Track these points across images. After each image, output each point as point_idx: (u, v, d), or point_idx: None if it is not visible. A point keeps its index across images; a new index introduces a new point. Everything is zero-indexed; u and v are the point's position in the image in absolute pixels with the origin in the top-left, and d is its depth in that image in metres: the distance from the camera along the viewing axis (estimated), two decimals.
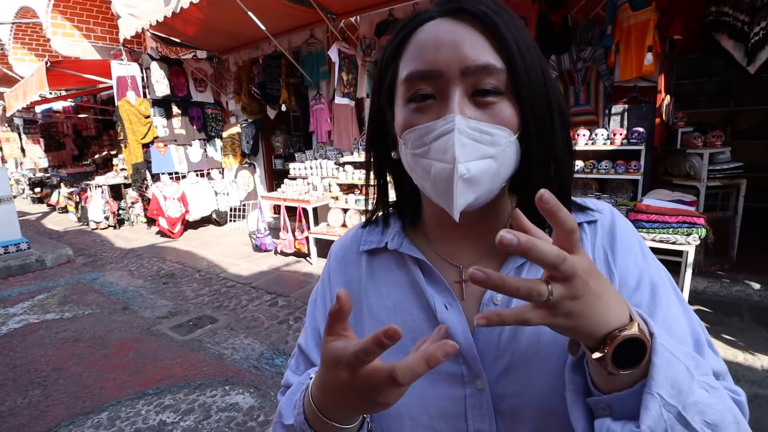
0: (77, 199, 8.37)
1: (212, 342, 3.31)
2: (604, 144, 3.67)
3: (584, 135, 3.77)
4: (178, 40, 6.14)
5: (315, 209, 5.14)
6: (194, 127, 6.97)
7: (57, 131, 11.62)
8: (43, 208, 10.99)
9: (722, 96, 5.56)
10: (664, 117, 3.63)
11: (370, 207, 0.66)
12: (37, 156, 11.89)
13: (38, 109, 10.01)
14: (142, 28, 5.03)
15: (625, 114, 3.71)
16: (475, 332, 0.53)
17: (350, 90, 5.03)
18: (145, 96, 6.39)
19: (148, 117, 6.32)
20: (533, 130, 0.48)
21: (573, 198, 0.57)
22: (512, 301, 0.52)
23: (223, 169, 7.39)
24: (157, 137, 6.53)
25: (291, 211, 5.26)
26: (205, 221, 7.38)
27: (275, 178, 7.15)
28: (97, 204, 7.56)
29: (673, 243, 3.09)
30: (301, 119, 7.14)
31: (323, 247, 5.30)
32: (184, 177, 6.94)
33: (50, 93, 8.25)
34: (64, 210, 9.48)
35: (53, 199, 10.11)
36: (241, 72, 6.38)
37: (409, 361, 0.36)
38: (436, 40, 0.47)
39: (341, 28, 5.06)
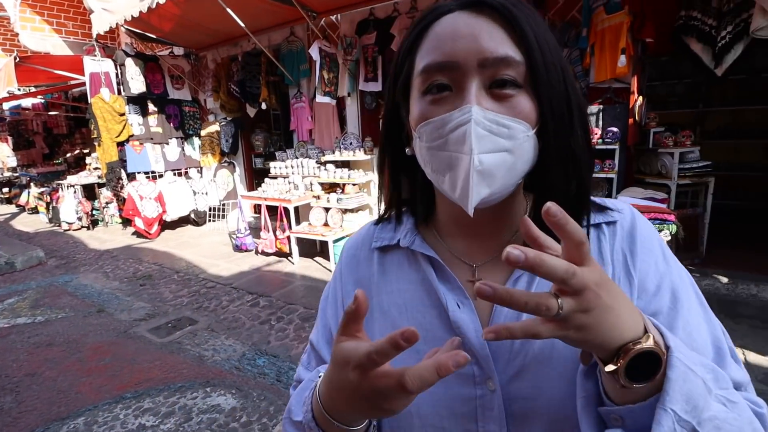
0: (48, 200, 8.09)
1: (192, 344, 3.26)
2: None
3: None
4: (154, 36, 5.99)
5: (296, 208, 5.11)
6: (171, 125, 6.84)
7: (26, 129, 11.20)
8: (12, 209, 10.58)
9: (692, 97, 5.76)
10: (637, 117, 3.74)
11: (382, 204, 0.65)
12: (5, 155, 11.44)
13: (6, 106, 9.64)
14: (117, 24, 4.91)
15: (600, 114, 3.81)
16: None
17: (331, 89, 5.01)
18: (119, 93, 6.23)
19: (123, 114, 6.17)
20: (551, 126, 0.47)
21: (592, 197, 0.55)
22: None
23: (201, 168, 7.26)
24: (132, 135, 6.38)
25: (272, 210, 5.21)
26: (183, 221, 7.24)
27: (255, 177, 7.07)
28: (70, 204, 7.33)
29: None
30: (282, 118, 7.09)
31: (305, 246, 5.28)
32: (161, 176, 6.80)
33: (19, 89, 7.96)
34: (35, 211, 9.15)
35: (22, 199, 9.74)
36: (220, 69, 6.28)
37: (420, 368, 0.36)
38: (454, 32, 0.46)
39: (322, 27, 5.04)
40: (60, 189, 7.60)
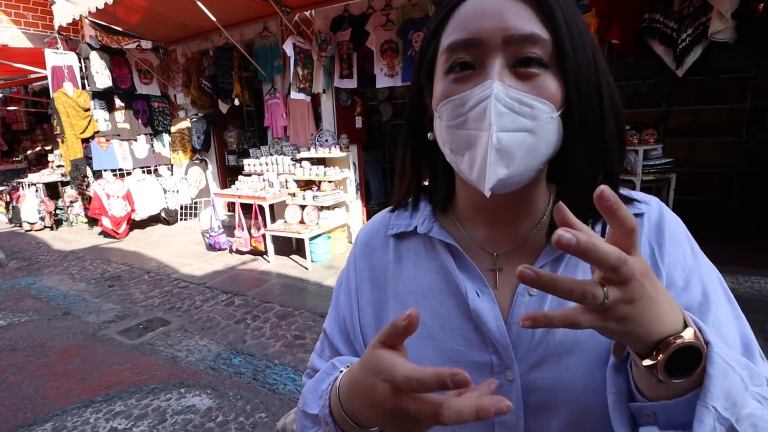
0: (8, 199, 7.71)
1: (165, 345, 3.18)
2: None
3: None
4: (120, 29, 5.79)
5: (271, 206, 5.05)
6: (139, 121, 6.62)
7: None
8: None
9: (655, 97, 6.00)
10: None
11: (394, 195, 0.64)
12: None
13: None
14: (80, 16, 4.72)
15: None
16: (509, 322, 0.51)
17: (306, 85, 4.97)
18: (84, 87, 5.99)
19: (87, 110, 5.94)
20: (578, 110, 0.45)
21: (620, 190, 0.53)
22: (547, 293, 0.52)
23: (172, 166, 7.07)
24: (98, 132, 6.15)
25: (246, 208, 5.14)
26: (154, 220, 7.04)
27: (229, 175, 6.93)
28: (31, 204, 7.01)
29: None
30: (256, 114, 6.97)
31: (281, 244, 5.23)
32: (129, 174, 6.59)
33: None
34: None
35: None
36: (190, 64, 6.13)
37: (460, 405, 0.33)
38: (480, 10, 0.45)
39: (296, 22, 4.98)
40: (21, 188, 7.26)
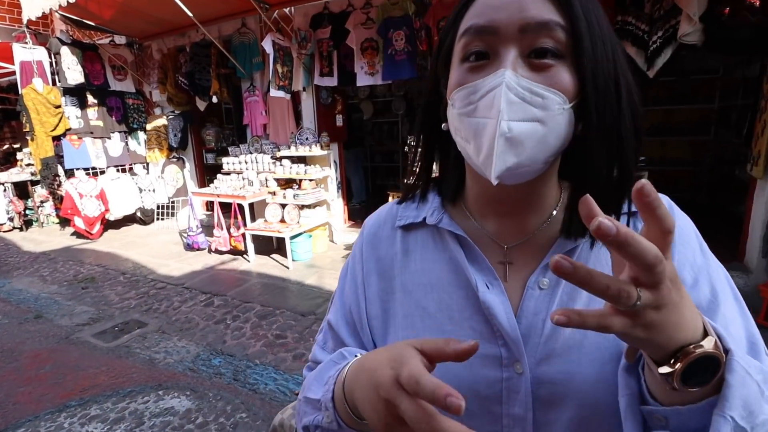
0: None
1: (142, 347, 3.12)
2: None
3: None
4: (92, 24, 5.62)
5: (251, 205, 4.99)
6: (113, 119, 6.45)
7: None
8: None
9: None
10: None
11: (406, 185, 0.63)
12: None
13: None
14: (50, 9, 4.56)
15: None
16: (518, 315, 0.51)
17: (285, 83, 4.93)
18: (54, 84, 5.80)
19: (58, 107, 5.75)
20: (593, 103, 0.45)
21: None
22: (558, 287, 0.50)
23: (147, 164, 6.91)
24: (69, 129, 5.96)
25: (225, 207, 5.06)
26: (129, 220, 6.87)
27: (207, 173, 6.82)
28: None
29: None
30: (234, 112, 6.88)
31: (261, 243, 5.17)
32: (102, 172, 6.41)
33: None
34: None
35: None
36: (166, 60, 6.00)
37: (448, 427, 0.33)
38: (499, 1, 0.45)
39: (275, 19, 4.94)
40: None
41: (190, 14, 4.37)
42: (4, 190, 6.82)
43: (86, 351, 3.09)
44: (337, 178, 5.56)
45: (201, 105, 5.97)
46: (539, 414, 0.49)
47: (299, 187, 4.88)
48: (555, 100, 0.44)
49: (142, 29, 5.89)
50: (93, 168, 6.37)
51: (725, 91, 5.67)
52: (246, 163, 5.39)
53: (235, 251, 5.09)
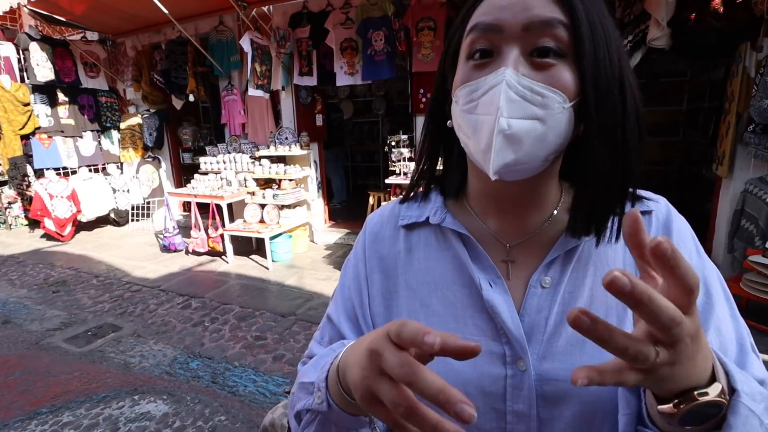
0: None
1: (116, 351, 3.05)
2: None
3: None
4: (63, 19, 5.45)
5: (230, 205, 4.93)
6: (85, 117, 6.27)
7: None
8: None
9: None
10: None
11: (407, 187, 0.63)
12: None
13: None
14: (18, 3, 4.40)
15: None
16: (521, 313, 0.52)
17: (264, 82, 4.88)
18: (23, 81, 5.61)
19: (27, 105, 5.56)
20: (593, 102, 0.45)
21: None
22: (560, 286, 0.51)
23: (122, 164, 6.74)
24: (39, 128, 5.77)
25: (203, 207, 4.98)
26: (102, 222, 6.68)
27: (184, 173, 6.70)
28: None
29: None
30: (212, 111, 6.76)
31: (240, 244, 5.11)
32: (74, 172, 6.22)
33: None
34: None
35: None
36: (141, 57, 5.86)
37: (427, 414, 0.31)
38: (507, 1, 0.47)
39: (253, 17, 4.88)
40: None
41: (165, 11, 4.28)
42: None
43: (57, 356, 3.00)
44: (317, 178, 5.54)
45: (177, 103, 5.86)
46: (542, 410, 0.49)
47: (279, 187, 4.84)
48: (555, 98, 0.45)
49: (116, 26, 5.74)
50: (64, 168, 6.17)
51: (693, 94, 5.89)
52: (224, 162, 5.31)
53: (213, 252, 5.02)
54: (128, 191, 6.56)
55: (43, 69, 5.57)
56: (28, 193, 6.37)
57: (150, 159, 6.55)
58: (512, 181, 0.48)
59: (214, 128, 6.71)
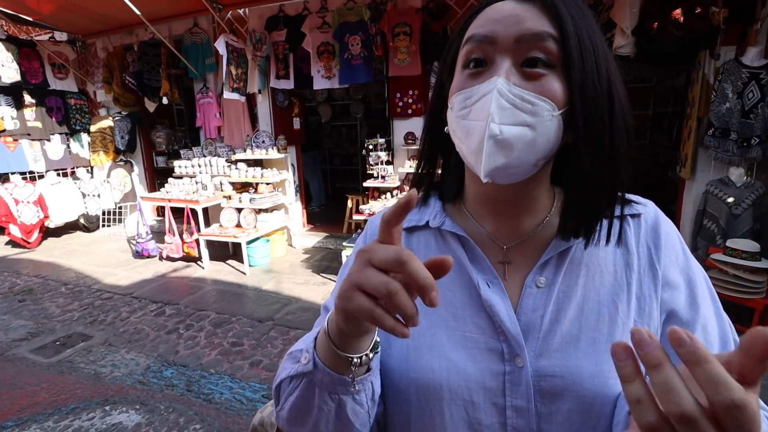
0: None
1: (86, 361, 2.96)
2: None
3: None
4: (29, 19, 5.28)
5: (205, 209, 4.85)
6: (53, 120, 6.08)
7: None
8: None
9: None
10: None
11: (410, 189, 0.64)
12: None
13: None
14: None
15: None
16: (518, 312, 0.54)
17: (240, 85, 4.84)
18: None
19: None
20: (579, 111, 0.48)
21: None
22: (554, 286, 0.54)
23: (92, 168, 6.56)
24: (4, 131, 5.57)
25: (177, 212, 4.89)
26: (71, 227, 6.48)
27: (158, 177, 6.56)
28: None
29: None
30: (187, 113, 6.66)
31: (216, 249, 5.04)
32: (41, 177, 6.02)
33: None
34: None
35: None
36: (112, 59, 5.73)
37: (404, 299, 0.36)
38: (500, 14, 0.49)
39: (229, 20, 4.84)
40: None
41: (137, 12, 4.20)
42: None
43: (24, 368, 2.90)
44: (295, 182, 5.51)
45: (150, 106, 5.74)
46: (540, 405, 0.51)
47: (256, 191, 4.80)
48: (544, 107, 0.47)
49: (86, 26, 5.59)
50: (30, 172, 5.97)
51: (658, 99, 6.13)
52: (199, 166, 5.23)
53: (188, 258, 4.93)
54: (99, 196, 6.38)
55: (9, 70, 5.38)
56: None
57: (122, 163, 6.39)
58: (505, 184, 0.51)
59: (189, 131, 6.60)
